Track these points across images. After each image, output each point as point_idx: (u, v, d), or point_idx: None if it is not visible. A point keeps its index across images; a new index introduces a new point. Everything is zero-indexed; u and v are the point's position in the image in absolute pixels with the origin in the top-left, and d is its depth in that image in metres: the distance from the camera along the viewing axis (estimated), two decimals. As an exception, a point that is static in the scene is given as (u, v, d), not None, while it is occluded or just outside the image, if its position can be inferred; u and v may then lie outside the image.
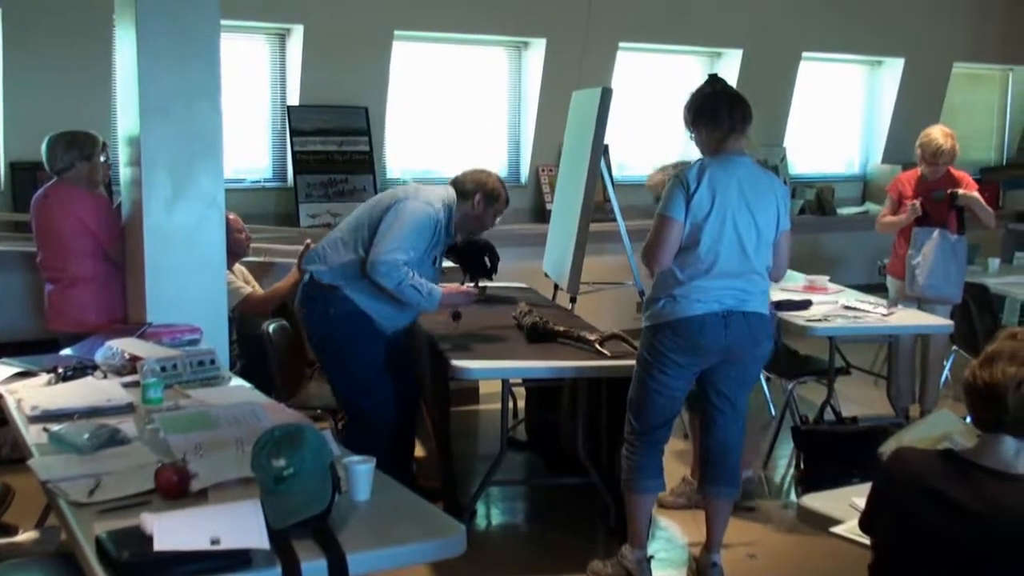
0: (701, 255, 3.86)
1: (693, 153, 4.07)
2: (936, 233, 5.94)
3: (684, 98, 4.04)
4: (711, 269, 3.86)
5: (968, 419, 2.38)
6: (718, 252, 3.86)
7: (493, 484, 4.91)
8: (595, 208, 5.93)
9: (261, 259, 6.17)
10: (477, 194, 4.68)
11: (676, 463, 5.12)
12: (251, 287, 5.56)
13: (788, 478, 5.55)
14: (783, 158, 9.69)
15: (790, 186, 9.57)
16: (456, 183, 4.76)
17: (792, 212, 9.14)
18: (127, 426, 3.14)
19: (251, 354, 5.46)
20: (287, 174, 7.89)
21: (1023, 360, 2.17)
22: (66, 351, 4.21)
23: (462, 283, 5.50)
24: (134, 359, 3.77)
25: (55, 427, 3.09)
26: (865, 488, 2.48)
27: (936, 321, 5.64)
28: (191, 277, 4.57)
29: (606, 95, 5.71)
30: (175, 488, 2.59)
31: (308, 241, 5.48)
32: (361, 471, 2.61)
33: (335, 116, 7.81)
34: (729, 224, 3.86)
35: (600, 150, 5.85)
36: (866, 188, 10.51)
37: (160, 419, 3.11)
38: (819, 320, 5.29)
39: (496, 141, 8.79)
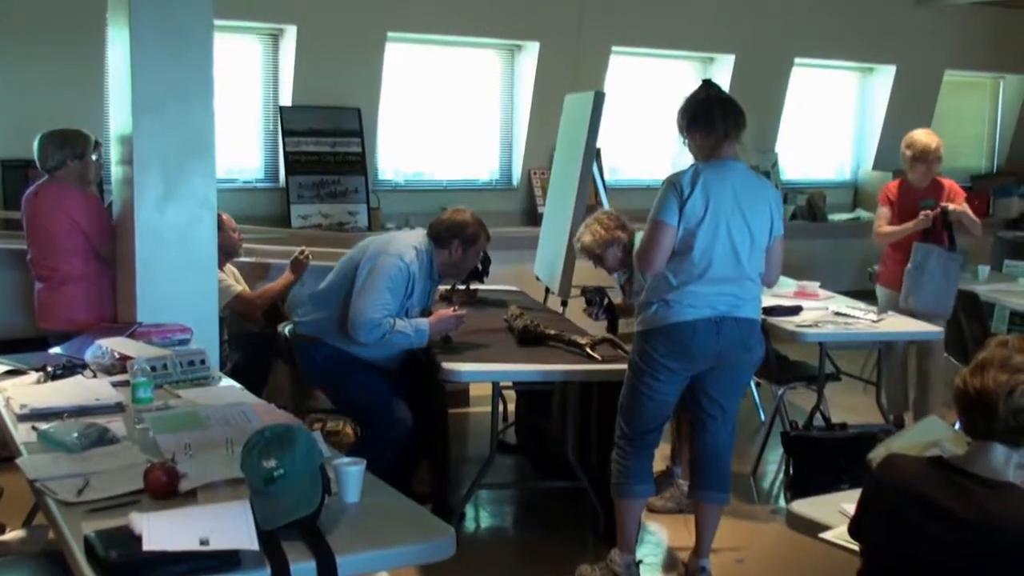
0: (694, 260, 3.86)
1: (687, 157, 4.07)
2: (936, 250, 5.84)
3: (678, 103, 4.04)
4: (704, 274, 3.86)
5: (957, 426, 2.39)
6: (711, 257, 3.86)
7: (482, 487, 4.91)
8: (587, 211, 5.92)
9: (252, 260, 6.16)
10: (454, 241, 4.66)
11: (659, 463, 5.11)
12: (242, 287, 5.55)
13: (777, 483, 5.56)
14: (775, 164, 9.71)
15: (781, 192, 9.58)
16: (431, 232, 4.71)
17: (783, 218, 9.24)
18: (116, 425, 3.13)
19: (244, 354, 5.47)
20: (279, 174, 7.89)
21: (1014, 368, 2.17)
22: (55, 350, 4.20)
23: (453, 286, 5.51)
24: (124, 358, 3.76)
25: (44, 426, 3.08)
26: (854, 494, 2.49)
27: (925, 328, 5.65)
28: (182, 277, 4.56)
29: (599, 99, 5.72)
30: (164, 488, 2.58)
31: (305, 250, 5.49)
32: (351, 473, 2.61)
33: (328, 117, 7.81)
34: (723, 229, 3.86)
35: (592, 154, 5.86)
36: (857, 194, 10.54)
37: (150, 419, 3.11)
38: (809, 326, 5.30)
39: (488, 144, 8.80)
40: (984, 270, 7.47)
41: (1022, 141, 11.34)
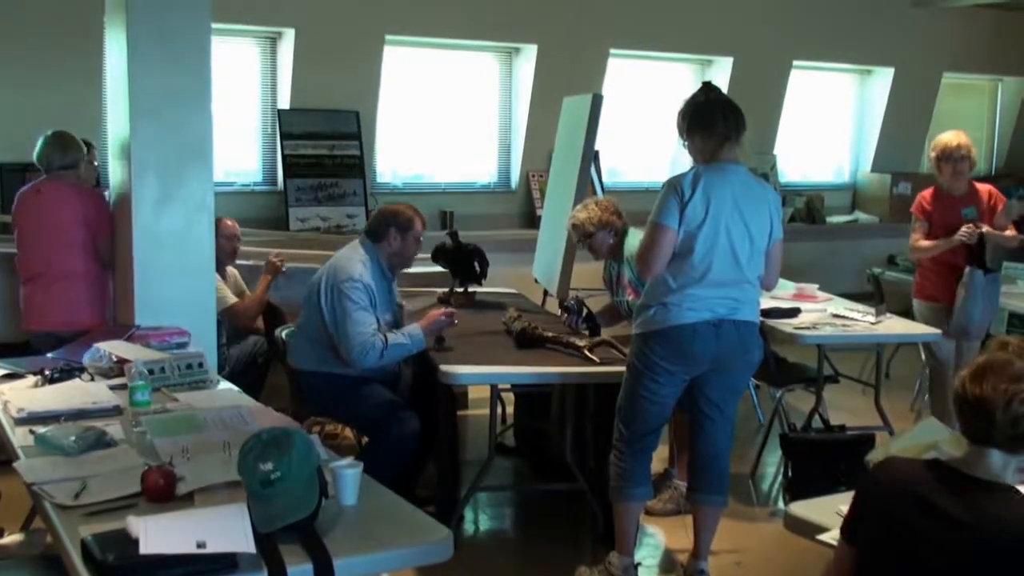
0: (694, 263, 3.85)
1: (685, 159, 4.06)
2: (978, 273, 5.59)
3: (677, 105, 4.03)
4: (704, 277, 3.85)
5: (956, 427, 2.38)
6: (711, 261, 3.85)
7: (481, 490, 4.91)
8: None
9: (250, 263, 6.16)
10: (390, 230, 4.67)
11: (658, 465, 5.11)
12: (236, 298, 5.54)
13: (776, 485, 5.55)
14: (773, 166, 9.72)
15: (780, 194, 9.59)
16: (368, 231, 4.76)
17: (783, 220, 9.26)
18: (114, 429, 3.13)
19: (241, 358, 5.48)
20: (277, 178, 7.89)
21: (1012, 376, 2.17)
22: (49, 355, 4.19)
23: (451, 289, 5.51)
24: (122, 361, 3.76)
25: (41, 429, 3.08)
26: (851, 496, 2.48)
27: (924, 330, 5.65)
28: (180, 280, 4.56)
29: (597, 101, 5.72)
30: (161, 491, 2.58)
31: (280, 253, 5.50)
32: (348, 475, 2.61)
33: (326, 120, 7.81)
34: (723, 233, 3.85)
35: (590, 156, 5.85)
36: (856, 197, 10.55)
37: (147, 422, 3.11)
38: (808, 328, 5.29)
39: (487, 147, 8.80)
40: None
41: (1020, 143, 11.34)
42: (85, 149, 5.08)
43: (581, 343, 4.57)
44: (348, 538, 2.41)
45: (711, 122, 3.91)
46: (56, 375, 3.75)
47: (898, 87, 10.28)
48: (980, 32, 10.51)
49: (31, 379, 3.75)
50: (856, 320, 5.47)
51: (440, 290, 5.74)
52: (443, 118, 8.58)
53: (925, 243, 5.75)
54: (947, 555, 2.15)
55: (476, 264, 5.47)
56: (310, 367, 4.67)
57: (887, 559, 2.28)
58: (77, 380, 3.74)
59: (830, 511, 2.79)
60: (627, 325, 4.78)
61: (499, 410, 5.45)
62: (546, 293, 6.43)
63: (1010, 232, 5.67)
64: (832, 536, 2.65)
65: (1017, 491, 2.20)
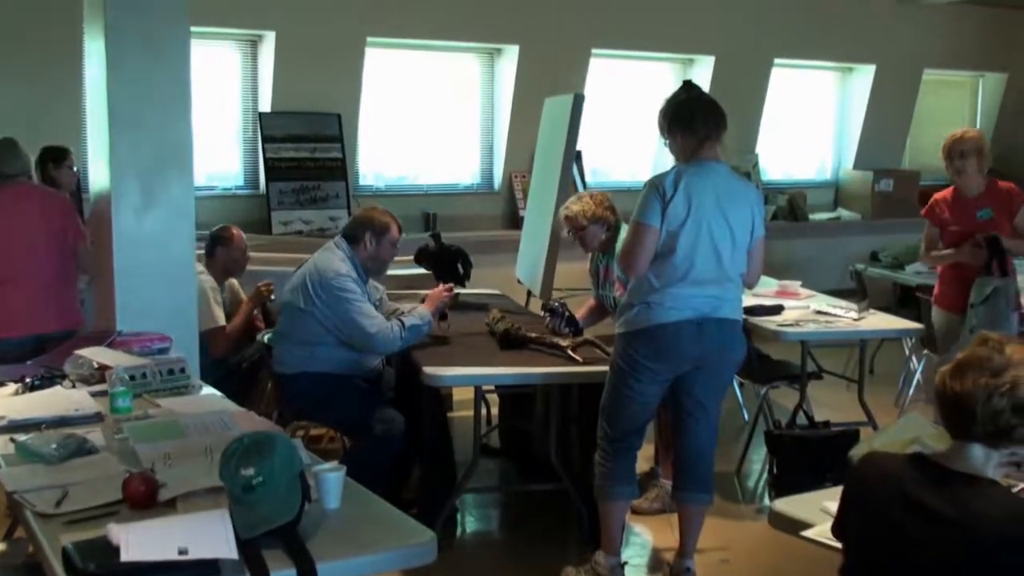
0: (676, 262, 3.86)
1: (668, 158, 4.06)
2: (991, 282, 5.13)
3: (659, 104, 4.04)
4: (686, 276, 3.86)
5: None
6: (693, 259, 3.85)
7: (466, 491, 4.90)
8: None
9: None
10: (366, 234, 4.67)
11: (643, 464, 5.11)
12: (224, 320, 5.50)
13: (762, 482, 5.56)
14: (755, 164, 9.74)
15: (762, 192, 9.61)
16: (345, 234, 4.76)
17: (764, 218, 9.28)
18: (95, 436, 3.11)
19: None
20: (259, 181, 7.87)
21: (993, 371, 2.17)
22: (28, 362, 4.17)
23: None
24: (103, 368, 3.73)
25: (22, 437, 3.05)
26: (835, 492, 2.49)
27: (906, 325, 5.68)
28: (161, 286, 4.54)
29: (578, 101, 5.72)
30: (143, 498, 2.56)
31: (269, 284, 5.48)
32: (331, 479, 2.60)
33: (307, 123, 7.80)
34: (704, 231, 3.86)
35: (572, 156, 5.86)
36: (838, 194, 10.58)
37: (129, 428, 3.09)
38: (791, 325, 5.31)
39: (469, 148, 8.80)
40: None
41: (1001, 139, 11.38)
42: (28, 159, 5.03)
43: (564, 343, 4.57)
44: (331, 542, 2.39)
45: (692, 121, 3.91)
46: (37, 382, 3.72)
47: (880, 84, 10.32)
48: (961, 29, 10.55)
49: (12, 387, 3.73)
50: (839, 316, 5.49)
51: (423, 292, 5.73)
52: (425, 120, 8.57)
53: (937, 253, 5.41)
54: (929, 549, 2.15)
55: (459, 265, 5.46)
56: (295, 370, 4.65)
57: (873, 554, 2.28)
58: (58, 387, 3.72)
59: (814, 507, 2.79)
60: (611, 323, 4.78)
61: (484, 411, 5.46)
62: (529, 294, 6.43)
63: (1006, 242, 5.19)
64: (816, 532, 2.65)
65: (998, 484, 2.21)
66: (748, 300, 5.34)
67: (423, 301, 5.18)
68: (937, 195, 5.46)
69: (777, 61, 9.75)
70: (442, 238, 5.66)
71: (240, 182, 7.95)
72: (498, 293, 6.20)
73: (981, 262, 5.14)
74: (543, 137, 6.56)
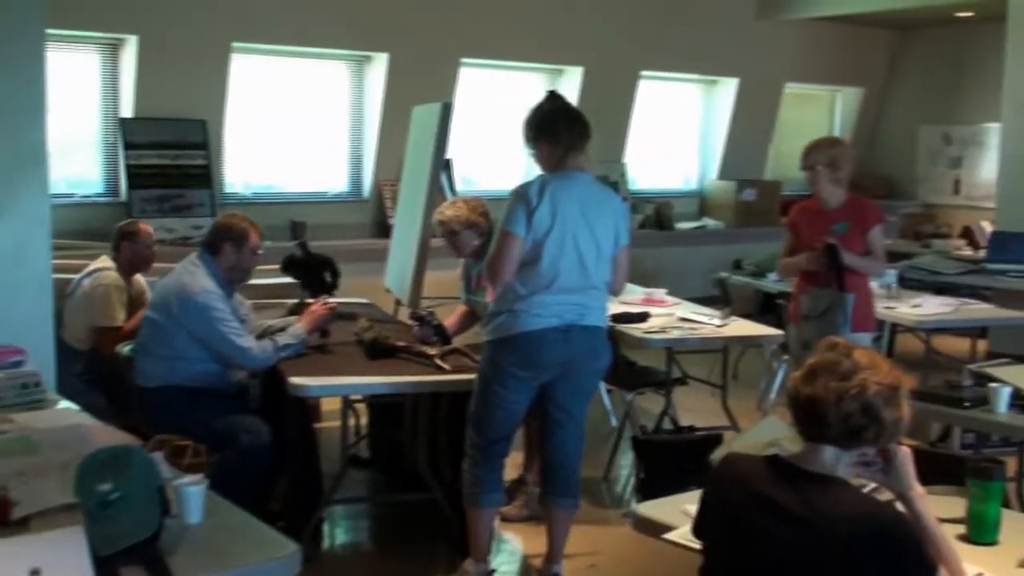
0: (542, 270, 3.89)
1: (537, 167, 4.10)
2: (823, 294, 4.91)
3: (524, 114, 4.08)
4: (552, 284, 3.90)
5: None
6: (559, 268, 3.90)
7: (335, 503, 4.86)
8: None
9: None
10: (225, 244, 4.60)
11: (513, 471, 5.14)
12: (121, 320, 5.37)
13: (629, 487, 5.64)
14: (623, 174, 9.88)
15: (630, 201, 9.78)
16: (205, 244, 4.67)
17: (631, 227, 9.42)
18: (-57, 453, 2.99)
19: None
20: (120, 188, 7.67)
21: (842, 374, 2.25)
22: None
23: (301, 300, 5.43)
24: (-48, 382, 3.59)
25: None
26: (696, 494, 2.54)
27: (767, 331, 5.82)
28: (15, 296, 4.39)
29: (446, 110, 5.73)
30: (-6, 516, 2.48)
31: None
32: (192, 493, 2.55)
33: (171, 129, 7.64)
34: (570, 240, 3.91)
35: (440, 164, 5.87)
36: (703, 203, 10.80)
37: (-21, 445, 2.98)
38: (657, 332, 5.40)
39: (338, 155, 8.73)
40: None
41: (857, 152, 11.78)
42: None
43: (432, 352, 4.57)
44: (193, 557, 2.35)
45: (556, 131, 3.96)
46: None
47: (743, 97, 10.58)
48: (819, 44, 10.89)
49: None
50: (703, 323, 5.61)
51: (291, 301, 5.66)
52: (294, 127, 8.48)
53: (786, 260, 5.20)
54: (782, 547, 2.22)
55: (327, 274, 5.41)
56: (157, 383, 4.55)
57: (730, 553, 2.34)
58: (-96, 403, 3.56)
59: (676, 510, 2.85)
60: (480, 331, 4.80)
61: (352, 421, 5.42)
62: (398, 303, 6.41)
63: (874, 260, 4.99)
64: (678, 535, 2.71)
65: (849, 484, 2.29)
66: (615, 308, 5.42)
67: (293, 313, 5.13)
68: (800, 204, 5.27)
69: (644, 73, 9.92)
70: (309, 246, 5.61)
71: (100, 189, 7.73)
72: (367, 302, 6.16)
73: (819, 268, 4.91)
74: (412, 145, 6.55)
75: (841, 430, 2.25)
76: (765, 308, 8.16)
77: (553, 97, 4.10)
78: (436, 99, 6.42)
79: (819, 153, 4.98)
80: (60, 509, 2.53)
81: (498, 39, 8.84)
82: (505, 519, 4.89)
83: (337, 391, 4.48)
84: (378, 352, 4.69)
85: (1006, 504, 3.12)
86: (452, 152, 8.21)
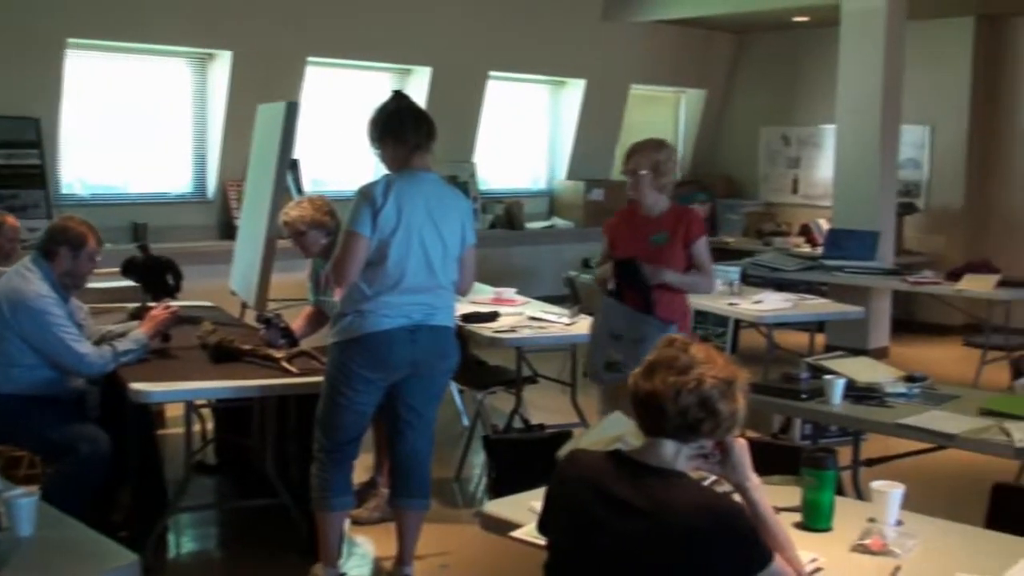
0: (388, 270, 3.88)
1: (384, 169, 4.08)
2: (619, 311, 4.51)
3: (368, 114, 4.06)
4: (398, 284, 3.89)
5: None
6: (405, 267, 3.89)
7: (180, 510, 4.75)
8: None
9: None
10: (61, 248, 4.46)
11: (363, 474, 5.11)
12: None
13: (481, 487, 5.66)
14: (473, 174, 9.91)
15: (480, 201, 9.82)
16: (40, 248, 4.50)
17: (482, 227, 9.46)
18: None
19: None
20: (-54, 190, 7.34)
21: (680, 369, 2.30)
22: None
23: (143, 304, 5.29)
24: None
25: None
26: (542, 491, 2.56)
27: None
28: None
29: (291, 109, 5.65)
30: None
31: None
32: (22, 505, 2.46)
33: (1, 128, 7.33)
34: (416, 239, 3.91)
35: (286, 165, 5.78)
36: (552, 203, 10.91)
37: None
38: (507, 331, 5.44)
39: (181, 155, 8.52)
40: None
41: (702, 152, 12.09)
42: None
43: (279, 355, 4.51)
44: (24, 572, 2.27)
45: (402, 130, 3.96)
46: None
47: (590, 98, 10.72)
48: (663, 47, 11.11)
49: None
50: (552, 322, 5.67)
51: (131, 305, 5.50)
52: (135, 126, 8.24)
53: (599, 270, 4.75)
54: (624, 541, 2.25)
55: (169, 277, 5.28)
56: None
57: (573, 548, 2.37)
58: None
59: (524, 508, 2.87)
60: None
61: (197, 427, 5.31)
62: (244, 305, 6.30)
63: (700, 276, 4.60)
64: (524, 532, 2.73)
65: (687, 477, 2.34)
66: (465, 307, 5.45)
67: (134, 317, 4.99)
68: (619, 211, 4.83)
69: (493, 74, 9.96)
70: (151, 248, 5.47)
71: (-76, 191, 7.39)
72: (211, 305, 6.03)
73: (611, 287, 4.53)
74: (257, 145, 6.44)
75: (680, 424, 2.29)
76: (613, 306, 8.29)
77: (398, 96, 4.10)
78: (282, 98, 6.33)
79: (643, 156, 4.56)
80: None
81: (345, 38, 8.75)
82: (356, 522, 4.86)
83: (180, 396, 4.37)
84: (223, 356, 4.60)
85: (841, 492, 3.25)
86: (300, 152, 8.11)
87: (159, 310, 4.68)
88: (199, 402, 4.82)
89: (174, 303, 4.98)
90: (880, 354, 8.46)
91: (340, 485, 4.04)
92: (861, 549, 2.67)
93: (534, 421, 5.55)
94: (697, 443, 2.34)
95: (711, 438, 2.35)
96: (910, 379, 4.39)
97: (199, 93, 8.48)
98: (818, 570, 2.52)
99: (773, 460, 3.12)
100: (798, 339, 7.93)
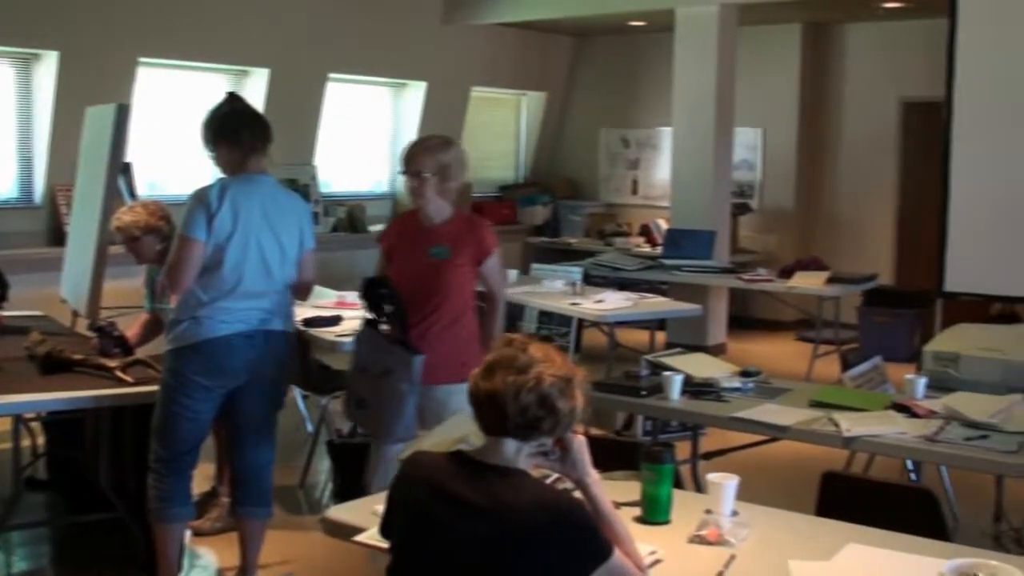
0: (225, 275, 3.82)
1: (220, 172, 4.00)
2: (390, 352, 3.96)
3: (201, 116, 3.98)
4: (235, 289, 3.83)
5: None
6: (242, 272, 3.83)
7: (10, 528, 4.57)
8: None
9: None
10: None
11: (204, 483, 5.00)
12: None
13: (327, 493, 5.60)
14: (314, 176, 9.79)
15: (322, 204, 9.71)
16: None
17: (324, 230, 9.36)
18: None
19: None
20: None
21: (519, 368, 2.32)
22: None
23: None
24: None
25: None
26: (384, 495, 2.54)
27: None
28: None
29: (122, 111, 5.48)
30: None
31: None
32: None
33: None
34: (253, 244, 3.85)
35: (118, 168, 5.61)
36: (395, 206, 10.86)
37: None
38: (349, 335, 5.37)
39: (5, 159, 8.17)
40: (512, 273, 7.96)
41: (543, 154, 12.22)
42: None
43: (112, 364, 4.37)
44: None
45: (236, 133, 3.90)
46: None
47: (431, 100, 10.71)
48: (503, 49, 11.19)
49: None
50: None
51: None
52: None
53: None
54: (466, 541, 2.26)
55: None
56: None
57: (415, 550, 2.36)
58: None
59: (367, 512, 2.85)
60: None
61: (27, 442, 5.10)
62: (75, 314, 6.08)
63: (491, 305, 4.15)
64: (368, 536, 2.70)
65: (528, 475, 2.36)
66: (308, 312, 5.39)
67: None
68: (398, 219, 4.29)
69: (332, 75, 9.86)
70: (-27, 257, 5.24)
71: None
72: (40, 314, 5.81)
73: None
74: (86, 149, 6.22)
75: (520, 422, 2.31)
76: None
77: (232, 99, 4.04)
78: (113, 100, 6.12)
79: (427, 157, 3.99)
80: None
81: (178, 38, 8.51)
82: (197, 533, 4.75)
83: (7, 411, 4.21)
84: (52, 367, 4.43)
85: (681, 485, 3.33)
86: (134, 156, 7.88)
87: None
88: (28, 415, 4.63)
89: (1, 313, 4.78)
90: (718, 350, 8.72)
91: (178, 495, 3.95)
92: (698, 540, 2.73)
93: (379, 425, 5.50)
94: (537, 441, 2.36)
95: (551, 435, 2.37)
96: (745, 374, 4.52)
97: (23, 94, 8.14)
98: (657, 562, 2.57)
99: (615, 456, 3.19)
100: (639, 337, 8.08)
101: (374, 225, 10.27)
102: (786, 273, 8.45)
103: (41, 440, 5.55)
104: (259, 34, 9.00)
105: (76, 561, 4.75)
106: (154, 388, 4.03)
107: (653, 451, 2.91)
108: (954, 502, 4.89)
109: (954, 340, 4.72)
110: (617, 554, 2.30)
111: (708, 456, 4.73)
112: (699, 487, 4.30)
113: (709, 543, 2.71)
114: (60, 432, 5.24)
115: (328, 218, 9.84)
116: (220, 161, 3.94)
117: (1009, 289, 6.18)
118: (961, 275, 6.12)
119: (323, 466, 5.81)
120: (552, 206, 11.74)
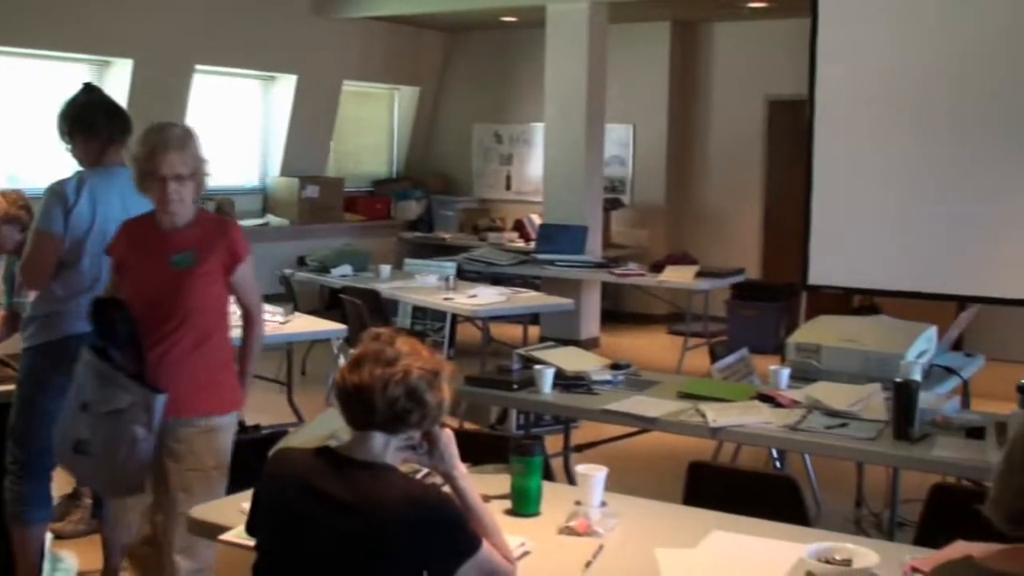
0: (83, 271, 3.73)
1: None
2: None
3: (57, 107, 3.87)
4: (94, 286, 3.72)
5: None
6: (101, 268, 3.72)
7: None
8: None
9: None
10: None
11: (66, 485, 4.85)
12: None
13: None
14: (182, 171, 9.58)
15: (190, 199, 9.49)
16: None
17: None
18: None
19: None
20: None
21: (386, 361, 2.30)
22: None
23: None
24: None
25: None
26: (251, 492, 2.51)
27: (330, 327, 5.87)
28: None
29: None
30: None
31: None
32: None
33: None
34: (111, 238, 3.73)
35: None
36: (266, 200, 10.71)
37: None
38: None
39: None
40: (386, 269, 7.94)
41: (416, 149, 12.18)
42: None
43: (-36, 363, 4.21)
44: None
45: (94, 124, 3.80)
46: None
47: (302, 94, 10.58)
48: (375, 43, 11.11)
49: None
50: (266, 320, 5.53)
51: None
52: None
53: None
54: (333, 537, 2.24)
55: None
56: None
57: (281, 547, 2.33)
58: None
59: (233, 510, 2.80)
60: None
61: None
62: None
63: (251, 317, 3.67)
64: (234, 534, 2.66)
65: (396, 469, 2.34)
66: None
67: None
68: (129, 222, 3.49)
69: (199, 67, 9.65)
70: None
71: None
72: None
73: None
74: (-61, 140, 5.98)
75: (388, 415, 2.30)
76: (331, 304, 8.26)
77: (89, 89, 3.94)
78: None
79: (183, 154, 3.40)
80: None
81: (35, 27, 8.24)
82: (59, 536, 4.59)
83: None
84: (-100, 367, 4.25)
85: (552, 477, 3.35)
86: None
87: None
88: None
89: None
90: (591, 344, 8.82)
91: (37, 498, 3.84)
92: (567, 531, 2.75)
93: (250, 422, 5.41)
94: (405, 435, 2.35)
95: (419, 429, 2.36)
96: (615, 367, 4.57)
97: None
98: (526, 553, 2.59)
99: (488, 451, 3.19)
100: (513, 332, 8.12)
101: (244, 220, 10.11)
102: (657, 267, 8.58)
103: None
104: (122, 23, 8.77)
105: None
106: (10, 387, 3.91)
107: (522, 444, 2.92)
108: (817, 489, 5.03)
109: (816, 332, 4.85)
110: (485, 547, 2.30)
111: (580, 448, 4.77)
112: (571, 479, 4.33)
113: (578, 534, 2.74)
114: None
115: (196, 213, 9.63)
116: (77, 153, 3.84)
117: (868, 282, 6.36)
118: (824, 269, 6.28)
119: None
120: (426, 201, 11.72)
